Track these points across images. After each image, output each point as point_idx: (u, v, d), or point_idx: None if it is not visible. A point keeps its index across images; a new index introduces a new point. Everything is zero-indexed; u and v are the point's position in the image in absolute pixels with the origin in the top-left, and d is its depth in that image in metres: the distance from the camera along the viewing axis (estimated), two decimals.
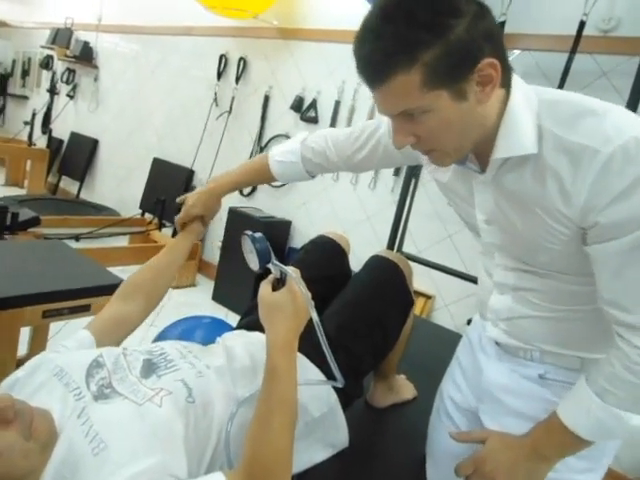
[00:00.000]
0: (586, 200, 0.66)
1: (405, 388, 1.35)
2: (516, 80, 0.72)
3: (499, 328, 0.91)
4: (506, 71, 0.68)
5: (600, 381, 0.72)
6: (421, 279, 2.49)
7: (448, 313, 2.49)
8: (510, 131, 0.70)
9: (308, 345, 0.87)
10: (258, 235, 0.82)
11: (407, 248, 2.45)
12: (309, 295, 0.80)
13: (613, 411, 0.71)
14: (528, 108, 0.70)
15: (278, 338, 0.77)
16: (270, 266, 0.82)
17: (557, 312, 0.82)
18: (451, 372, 1.07)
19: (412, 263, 2.30)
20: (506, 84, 0.70)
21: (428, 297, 2.54)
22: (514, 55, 2.19)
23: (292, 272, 0.80)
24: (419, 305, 2.53)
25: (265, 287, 0.82)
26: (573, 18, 1.92)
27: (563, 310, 0.82)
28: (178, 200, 1.21)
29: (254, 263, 0.83)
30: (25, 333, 1.45)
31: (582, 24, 1.90)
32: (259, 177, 1.22)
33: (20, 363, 1.06)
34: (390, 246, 2.34)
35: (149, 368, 0.81)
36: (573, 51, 1.90)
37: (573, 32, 1.92)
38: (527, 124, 0.69)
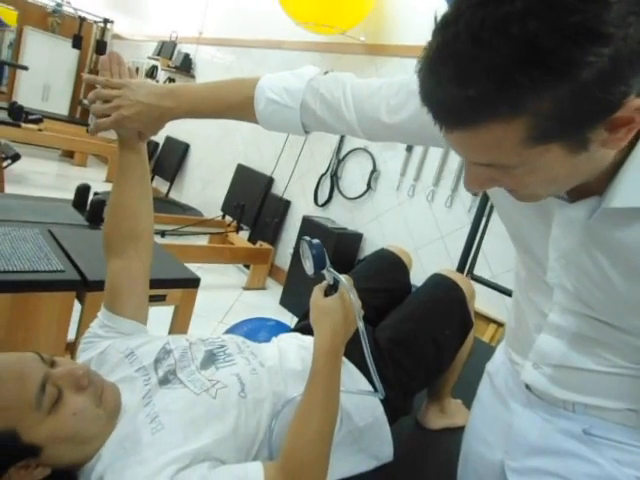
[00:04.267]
0: None
1: (459, 413, 1.30)
2: None
3: (541, 372, 0.73)
4: None
5: None
6: (494, 304, 2.39)
7: None
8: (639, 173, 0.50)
9: (359, 355, 0.88)
10: (315, 241, 0.85)
11: (480, 271, 2.36)
12: (359, 304, 0.81)
13: None
14: None
15: (325, 342, 0.79)
16: (324, 272, 0.85)
17: (629, 369, 0.66)
18: (472, 418, 0.92)
19: (485, 288, 2.26)
20: None
21: (500, 324, 2.43)
22: None
23: (345, 280, 0.82)
24: (489, 332, 2.42)
25: (317, 292, 0.85)
26: None
27: (637, 368, 0.66)
28: (95, 88, 0.91)
29: (309, 268, 0.86)
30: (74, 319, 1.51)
31: None
32: (234, 114, 0.89)
33: (69, 347, 1.11)
34: (461, 267, 2.28)
35: (209, 359, 0.86)
36: None
37: None
38: None
